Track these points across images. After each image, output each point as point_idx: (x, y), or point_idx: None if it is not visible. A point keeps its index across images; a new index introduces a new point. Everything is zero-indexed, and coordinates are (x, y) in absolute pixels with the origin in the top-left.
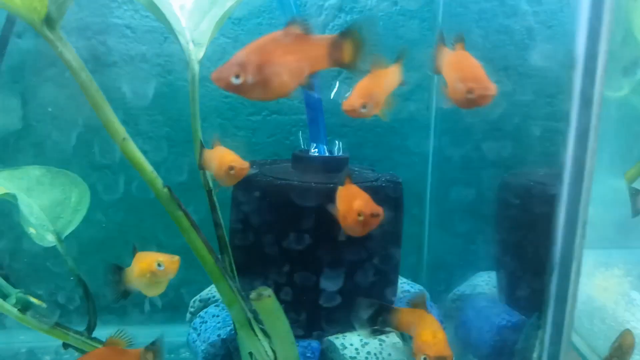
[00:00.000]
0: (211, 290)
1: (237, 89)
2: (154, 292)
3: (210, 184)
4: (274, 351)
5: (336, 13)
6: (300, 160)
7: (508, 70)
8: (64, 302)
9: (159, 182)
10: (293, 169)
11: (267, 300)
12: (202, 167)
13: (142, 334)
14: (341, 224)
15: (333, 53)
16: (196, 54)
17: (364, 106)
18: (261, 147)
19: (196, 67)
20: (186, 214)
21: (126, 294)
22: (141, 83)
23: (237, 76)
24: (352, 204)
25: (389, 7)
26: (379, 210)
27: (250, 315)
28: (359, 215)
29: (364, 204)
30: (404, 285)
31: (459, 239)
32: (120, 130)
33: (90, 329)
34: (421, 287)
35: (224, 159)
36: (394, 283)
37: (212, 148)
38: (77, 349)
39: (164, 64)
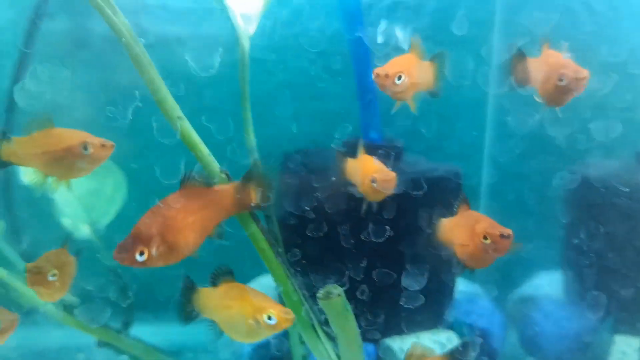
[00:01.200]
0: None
1: (143, 263)
2: (239, 338)
3: None
4: (338, 356)
5: None
6: (352, 148)
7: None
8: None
9: (215, 165)
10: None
11: (336, 300)
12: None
13: (176, 331)
14: (460, 254)
15: (240, 199)
16: (246, 29)
17: (399, 77)
18: (300, 135)
19: (246, 44)
20: None
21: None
22: (174, 67)
23: (142, 253)
24: (475, 227)
25: None
26: (509, 231)
27: (313, 316)
28: (485, 238)
29: (490, 225)
30: (460, 285)
31: (516, 236)
32: (175, 107)
33: (127, 325)
34: (478, 287)
35: (367, 169)
36: (452, 283)
37: (356, 157)
38: (112, 347)
39: (199, 47)
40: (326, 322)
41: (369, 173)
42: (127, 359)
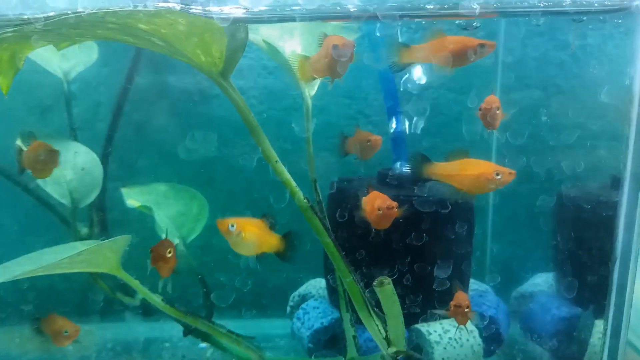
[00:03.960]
0: (307, 287)
1: None
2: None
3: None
4: (385, 330)
5: None
6: (384, 177)
7: (559, 94)
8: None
9: (300, 194)
10: (379, 184)
11: (387, 287)
12: (345, 153)
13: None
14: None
15: None
16: (309, 91)
17: None
18: (339, 166)
19: (309, 101)
20: (321, 220)
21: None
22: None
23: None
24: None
25: None
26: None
27: (367, 300)
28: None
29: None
30: (473, 285)
31: (516, 246)
32: (273, 155)
33: (209, 316)
34: (487, 286)
35: (362, 137)
36: (466, 282)
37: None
38: (196, 336)
39: (257, 96)
40: (376, 305)
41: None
42: (206, 347)
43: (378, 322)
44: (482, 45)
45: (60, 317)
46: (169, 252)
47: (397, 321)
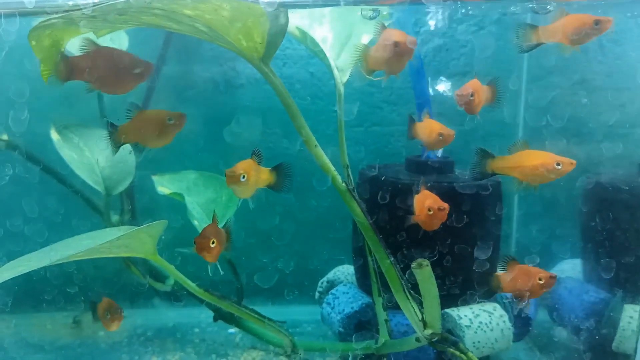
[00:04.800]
0: (336, 273)
1: None
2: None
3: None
4: (421, 312)
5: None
6: (413, 164)
7: (582, 82)
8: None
9: (339, 178)
10: (407, 171)
11: (426, 269)
12: (412, 137)
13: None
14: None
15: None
16: (341, 77)
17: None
18: (364, 154)
19: (341, 88)
20: (357, 202)
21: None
22: (263, 101)
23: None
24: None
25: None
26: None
27: (404, 282)
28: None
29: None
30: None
31: (544, 232)
32: (313, 139)
33: (239, 301)
34: None
35: (433, 127)
36: (494, 268)
37: (421, 121)
38: (226, 321)
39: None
40: (412, 288)
41: (435, 130)
42: (235, 332)
43: (414, 305)
44: (597, 22)
45: (110, 300)
46: (213, 243)
47: (434, 303)
